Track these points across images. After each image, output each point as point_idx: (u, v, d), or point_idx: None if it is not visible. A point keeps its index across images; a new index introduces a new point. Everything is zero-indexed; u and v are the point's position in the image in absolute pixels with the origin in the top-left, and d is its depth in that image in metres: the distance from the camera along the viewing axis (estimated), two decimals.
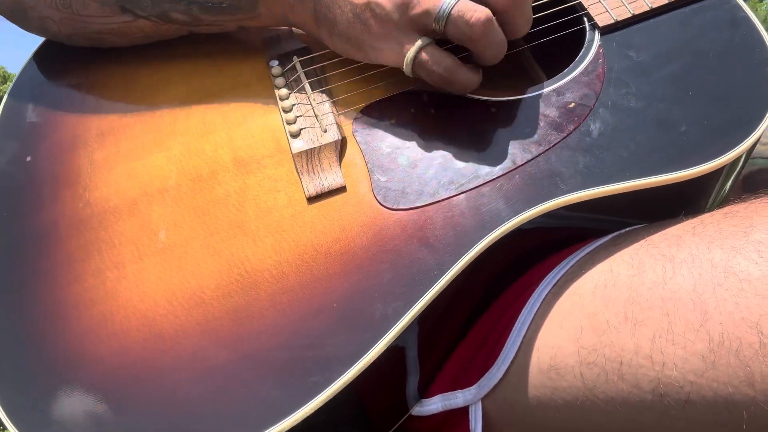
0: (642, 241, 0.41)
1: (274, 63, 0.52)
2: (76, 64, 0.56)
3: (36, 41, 0.58)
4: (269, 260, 0.42)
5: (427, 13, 0.43)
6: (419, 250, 0.41)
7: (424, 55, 0.44)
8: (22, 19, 0.55)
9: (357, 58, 0.49)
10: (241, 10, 0.49)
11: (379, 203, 0.44)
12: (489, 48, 0.44)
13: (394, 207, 0.43)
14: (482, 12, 0.42)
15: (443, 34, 0.44)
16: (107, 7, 0.50)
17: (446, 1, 0.42)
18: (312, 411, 0.37)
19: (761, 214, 0.37)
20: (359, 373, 0.38)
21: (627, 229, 0.46)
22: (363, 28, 0.45)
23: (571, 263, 0.45)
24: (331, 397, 0.37)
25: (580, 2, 0.52)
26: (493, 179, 0.44)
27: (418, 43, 0.44)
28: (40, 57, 0.57)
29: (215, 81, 0.52)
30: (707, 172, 0.42)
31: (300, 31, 0.54)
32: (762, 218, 0.37)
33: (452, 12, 0.42)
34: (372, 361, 0.38)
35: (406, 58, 0.45)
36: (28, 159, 0.51)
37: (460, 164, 0.45)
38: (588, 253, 0.45)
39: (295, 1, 0.48)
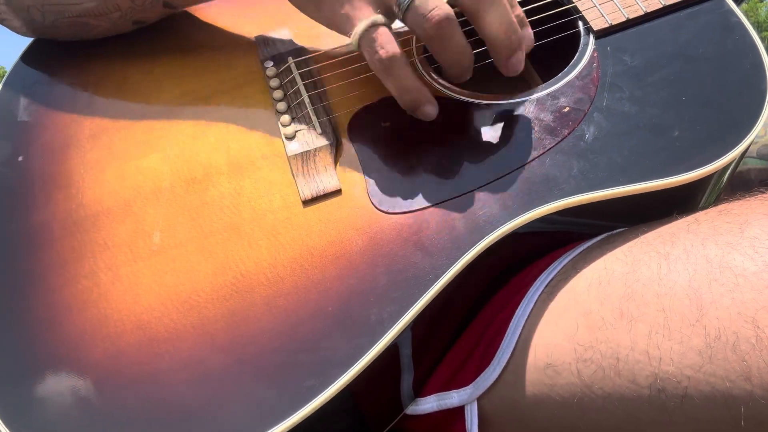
0: (636, 239, 0.42)
1: (269, 64, 0.52)
2: (67, 63, 0.55)
3: None
4: (264, 263, 0.42)
5: None
6: (414, 254, 0.41)
7: (374, 34, 0.42)
8: (7, 11, 0.54)
9: (313, 17, 0.47)
10: None
11: (375, 207, 0.44)
12: (445, 50, 0.43)
13: (390, 210, 0.43)
14: (443, 9, 0.41)
15: (401, 20, 0.43)
16: None
17: None
18: (307, 415, 0.37)
19: (756, 210, 0.37)
20: (355, 377, 0.38)
21: (621, 229, 0.46)
22: None
23: (565, 262, 0.45)
24: (326, 401, 0.37)
25: (575, 6, 0.52)
26: (488, 183, 0.44)
27: (372, 17, 0.42)
28: (30, 56, 0.57)
29: (209, 82, 0.52)
30: (700, 177, 0.43)
31: (294, 32, 0.54)
32: (757, 215, 0.37)
33: (414, 1, 0.41)
34: (367, 365, 0.38)
35: (355, 29, 0.43)
36: (20, 159, 0.50)
37: (455, 168, 0.45)
38: (581, 252, 0.45)
39: None
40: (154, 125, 0.50)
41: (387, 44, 0.42)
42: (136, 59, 0.54)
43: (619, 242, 0.43)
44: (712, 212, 0.40)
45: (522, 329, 0.43)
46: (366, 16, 0.43)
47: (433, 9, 0.41)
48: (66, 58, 0.56)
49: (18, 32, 0.56)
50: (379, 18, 0.42)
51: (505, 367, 0.43)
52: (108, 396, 0.39)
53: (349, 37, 0.44)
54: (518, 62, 0.45)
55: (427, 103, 0.46)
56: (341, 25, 0.45)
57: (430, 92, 0.46)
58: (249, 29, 0.55)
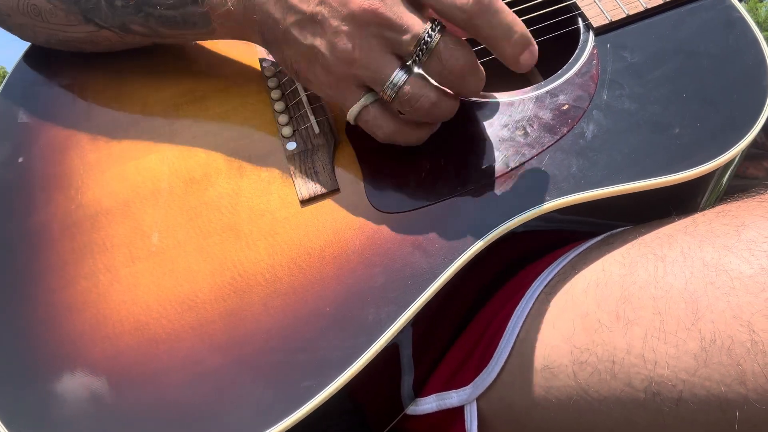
0: (634, 241, 0.41)
1: (267, 63, 0.52)
2: (68, 65, 0.56)
3: None
4: (262, 263, 0.42)
5: (373, 80, 0.40)
6: (412, 253, 0.41)
7: (366, 115, 0.42)
8: (5, 24, 0.55)
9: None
10: (196, 26, 0.48)
11: (373, 206, 0.44)
12: (433, 119, 0.43)
13: (388, 210, 0.43)
14: (427, 100, 0.40)
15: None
16: (72, 15, 0.50)
17: (397, 75, 0.39)
18: (305, 415, 0.37)
19: (753, 212, 0.37)
20: (353, 377, 0.38)
21: (619, 229, 0.46)
22: (309, 69, 0.43)
23: (564, 263, 0.45)
24: (324, 401, 0.37)
25: (575, 2, 0.51)
26: (486, 182, 0.43)
27: (362, 100, 0.42)
28: (31, 57, 0.57)
29: (207, 82, 0.52)
30: (700, 175, 0.42)
31: None
32: (754, 217, 0.37)
33: (401, 92, 0.40)
34: (365, 365, 0.38)
35: (348, 115, 0.43)
36: (20, 160, 0.51)
37: (453, 167, 0.45)
38: (580, 253, 0.45)
39: (245, 24, 0.46)
40: (153, 126, 0.50)
41: (382, 123, 0.42)
42: (135, 60, 0.54)
43: (617, 243, 0.42)
44: (709, 214, 0.40)
45: (520, 329, 0.43)
46: (355, 100, 0.42)
47: (420, 100, 0.40)
48: (67, 59, 0.56)
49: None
50: (369, 98, 0.42)
51: (503, 367, 0.43)
52: (107, 396, 0.39)
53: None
54: (532, 57, 0.41)
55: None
56: (334, 105, 0.47)
57: None
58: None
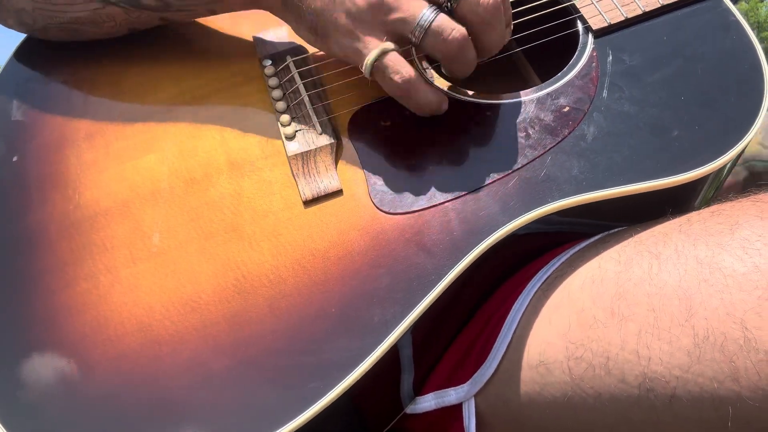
0: (630, 239, 0.42)
1: (267, 62, 0.52)
2: (63, 60, 0.55)
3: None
4: (266, 265, 0.42)
5: (403, 21, 0.42)
6: (416, 254, 0.41)
7: (386, 61, 0.43)
8: (0, 14, 0.53)
9: (319, 48, 0.48)
10: None
11: (376, 207, 0.44)
12: (459, 64, 0.44)
13: (391, 211, 0.43)
14: (459, 31, 0.42)
15: (416, 45, 0.43)
16: None
17: (425, 13, 0.42)
18: (311, 417, 0.37)
19: (747, 212, 0.38)
20: (358, 379, 0.38)
21: (616, 229, 0.46)
22: (331, 20, 0.44)
23: (561, 261, 0.45)
24: (329, 403, 0.37)
25: (574, 4, 0.52)
26: (489, 184, 0.44)
27: (382, 46, 0.43)
28: (24, 52, 0.56)
29: (207, 81, 0.51)
30: (698, 177, 0.43)
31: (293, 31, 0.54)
32: (748, 216, 0.37)
33: (432, 26, 0.42)
34: (371, 366, 0.38)
35: (366, 59, 0.43)
36: (15, 159, 0.50)
37: (456, 168, 0.45)
38: (578, 251, 0.45)
39: None
40: (151, 125, 0.50)
41: (401, 68, 0.43)
42: (132, 57, 0.54)
43: (614, 241, 0.43)
44: (704, 213, 0.40)
45: (517, 326, 0.43)
46: (375, 47, 0.43)
47: (452, 31, 0.42)
48: (60, 55, 0.55)
49: (10, 27, 0.55)
50: (389, 45, 0.43)
51: (500, 364, 0.43)
52: (109, 398, 0.39)
53: (361, 68, 0.44)
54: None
55: (444, 106, 0.47)
56: (350, 58, 0.46)
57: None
58: (247, 27, 0.54)
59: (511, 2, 0.48)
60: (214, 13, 0.52)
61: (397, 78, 0.43)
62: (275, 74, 0.51)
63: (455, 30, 0.42)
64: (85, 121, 0.51)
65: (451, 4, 0.42)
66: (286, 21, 0.49)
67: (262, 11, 0.50)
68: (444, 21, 0.42)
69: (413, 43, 0.43)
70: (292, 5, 0.46)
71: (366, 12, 0.43)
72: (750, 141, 0.44)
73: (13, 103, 0.53)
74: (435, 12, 0.42)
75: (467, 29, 0.42)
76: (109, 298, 0.42)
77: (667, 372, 0.34)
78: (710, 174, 0.44)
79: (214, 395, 0.38)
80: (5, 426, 0.38)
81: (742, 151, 0.45)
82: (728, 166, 0.47)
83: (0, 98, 0.53)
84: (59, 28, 0.53)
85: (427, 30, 0.42)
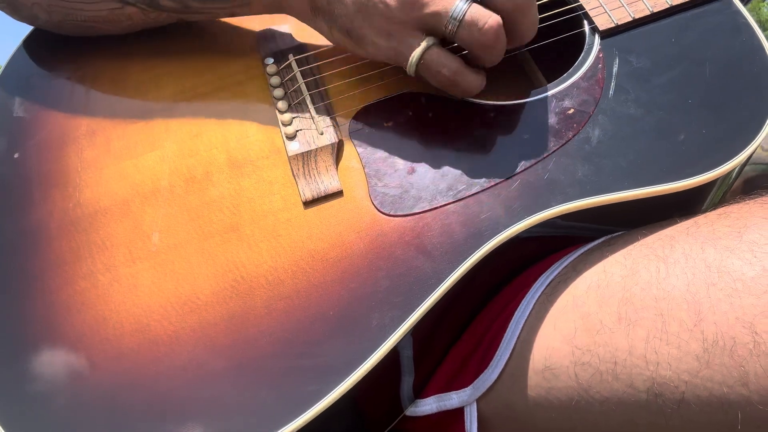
0: (636, 242, 0.42)
1: (269, 61, 0.51)
2: (65, 58, 0.55)
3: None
4: (265, 266, 0.42)
5: (437, 14, 0.42)
6: (416, 257, 0.41)
7: (430, 56, 0.43)
8: (14, 8, 0.53)
9: (354, 52, 0.47)
10: None
11: (377, 209, 0.43)
12: (492, 55, 0.43)
13: (392, 213, 0.43)
14: (494, 19, 0.41)
15: (451, 38, 0.43)
16: None
17: (458, 5, 0.41)
18: (309, 420, 0.37)
19: (755, 214, 0.37)
20: (356, 382, 0.38)
21: (621, 232, 0.46)
22: (365, 22, 0.44)
23: (565, 264, 0.45)
24: (327, 406, 0.37)
25: (581, 4, 0.51)
26: (492, 186, 0.43)
27: (424, 43, 0.43)
28: (26, 49, 0.56)
29: (208, 79, 0.51)
30: (705, 182, 0.42)
31: (295, 29, 0.53)
32: (756, 219, 0.37)
33: (465, 17, 0.41)
34: (369, 370, 0.38)
35: (411, 58, 0.43)
36: (16, 156, 0.50)
37: (458, 170, 0.44)
38: (581, 254, 0.45)
39: None
40: (152, 123, 0.50)
41: (447, 62, 0.43)
42: (134, 55, 0.53)
43: (619, 245, 0.42)
44: (711, 215, 0.40)
45: (521, 330, 0.43)
46: (413, 44, 0.43)
47: (487, 20, 0.41)
48: (62, 52, 0.55)
49: (22, 21, 0.55)
50: (430, 40, 0.43)
51: (504, 368, 0.43)
52: (107, 398, 0.39)
53: (405, 67, 0.44)
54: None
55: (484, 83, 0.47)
56: (391, 59, 0.46)
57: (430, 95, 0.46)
58: (249, 25, 0.54)
59: None
60: (234, 15, 0.51)
61: (445, 71, 0.44)
62: (277, 73, 0.50)
63: (491, 18, 0.41)
64: (86, 119, 0.51)
65: None
66: (316, 28, 0.48)
67: None
68: (478, 10, 0.41)
69: (447, 35, 0.43)
70: (322, 11, 0.46)
71: (399, 10, 0.42)
72: (758, 146, 0.44)
73: (15, 99, 0.53)
74: (467, 2, 0.41)
75: (502, 15, 0.42)
76: (108, 298, 0.42)
77: (676, 377, 0.34)
78: (718, 179, 0.43)
79: (212, 397, 0.38)
80: (2, 425, 0.38)
81: (751, 155, 0.45)
82: (737, 169, 0.46)
83: (2, 95, 0.53)
84: (73, 25, 0.53)
85: (461, 21, 0.41)
